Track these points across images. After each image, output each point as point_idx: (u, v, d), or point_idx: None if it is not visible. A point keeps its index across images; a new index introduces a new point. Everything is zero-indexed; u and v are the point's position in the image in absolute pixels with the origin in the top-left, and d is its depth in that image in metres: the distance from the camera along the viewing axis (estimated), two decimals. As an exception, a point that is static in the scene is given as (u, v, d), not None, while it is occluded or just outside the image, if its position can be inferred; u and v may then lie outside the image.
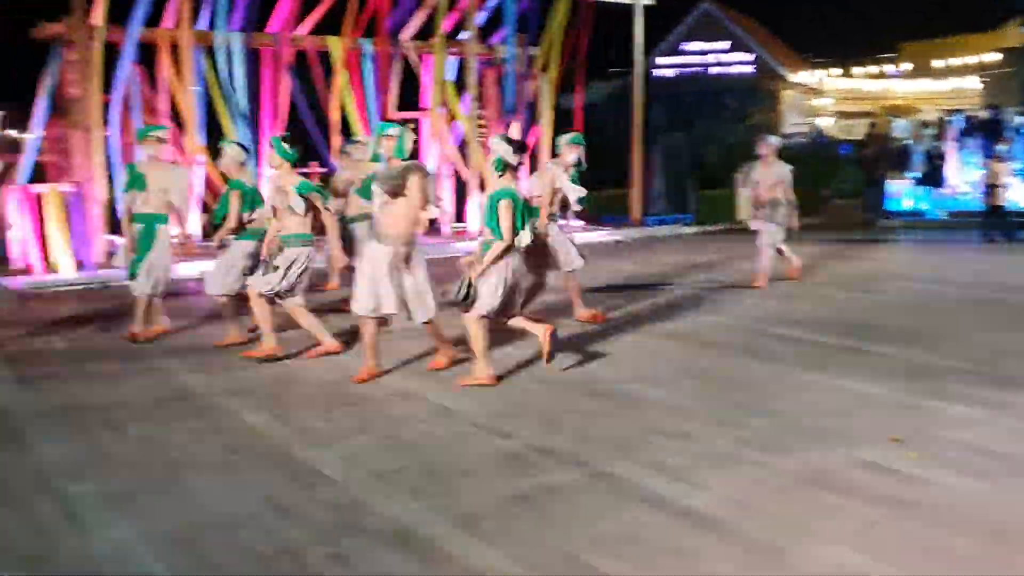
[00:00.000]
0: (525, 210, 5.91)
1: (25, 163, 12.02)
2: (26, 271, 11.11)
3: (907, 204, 17.30)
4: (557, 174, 7.65)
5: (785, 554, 3.49)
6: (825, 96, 33.21)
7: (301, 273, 6.68)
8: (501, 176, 5.87)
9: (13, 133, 26.68)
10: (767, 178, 9.87)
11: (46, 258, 11.20)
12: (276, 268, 6.59)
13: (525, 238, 5.80)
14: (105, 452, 4.79)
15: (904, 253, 13.00)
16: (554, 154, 8.38)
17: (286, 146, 6.65)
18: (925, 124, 19.40)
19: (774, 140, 10.30)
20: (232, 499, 4.11)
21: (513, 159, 5.84)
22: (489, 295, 5.80)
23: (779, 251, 10.03)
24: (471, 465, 4.49)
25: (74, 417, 5.42)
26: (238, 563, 3.47)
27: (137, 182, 7.23)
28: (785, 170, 9.88)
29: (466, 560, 3.47)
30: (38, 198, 11.34)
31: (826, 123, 31.70)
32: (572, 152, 7.73)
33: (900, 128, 19.40)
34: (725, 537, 3.63)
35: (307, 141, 13.78)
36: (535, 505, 3.98)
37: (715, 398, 5.61)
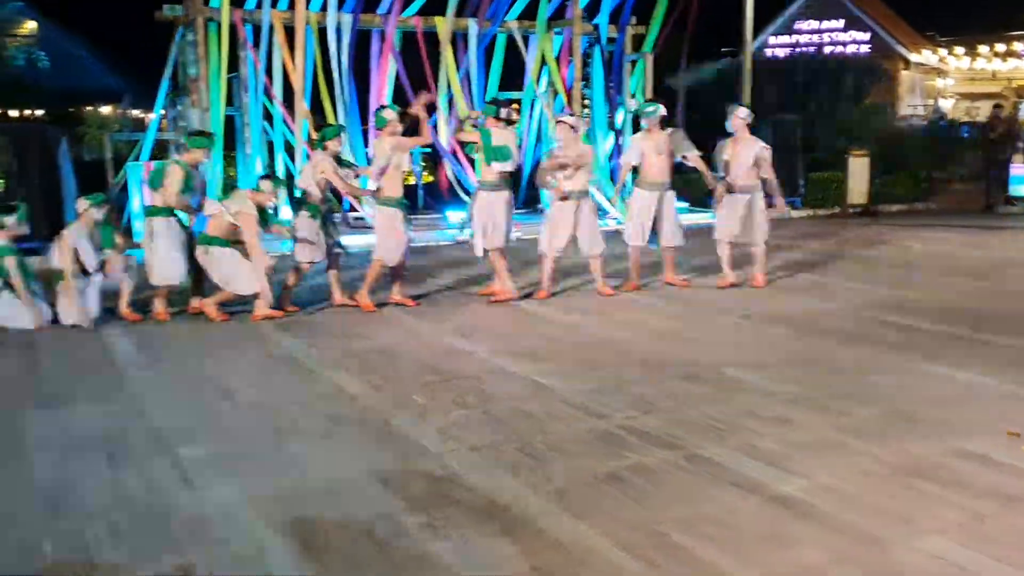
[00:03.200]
0: None
1: (146, 141, 12.56)
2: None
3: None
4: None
5: (885, 544, 3.41)
6: (947, 76, 31.85)
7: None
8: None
9: (137, 112, 27.91)
10: (742, 160, 8.41)
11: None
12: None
13: None
14: (216, 417, 5.02)
15: (1027, 241, 12.39)
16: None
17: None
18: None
19: (744, 112, 8.59)
20: (332, 466, 4.25)
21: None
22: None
23: (728, 248, 8.66)
24: (564, 443, 4.53)
25: (190, 383, 5.69)
26: (337, 526, 3.60)
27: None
28: (761, 147, 8.42)
29: (556, 535, 3.50)
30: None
31: (947, 105, 30.42)
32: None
33: (1028, 110, 18.46)
34: (822, 525, 3.57)
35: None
36: (627, 484, 3.99)
37: (818, 384, 5.49)
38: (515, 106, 15.00)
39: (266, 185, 7.48)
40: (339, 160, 7.81)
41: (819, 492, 3.87)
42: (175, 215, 7.54)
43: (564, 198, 7.94)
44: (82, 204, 7.38)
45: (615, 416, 4.92)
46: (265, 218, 7.42)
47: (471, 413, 5.02)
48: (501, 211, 7.90)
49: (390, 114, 7.71)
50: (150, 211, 7.60)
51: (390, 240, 7.65)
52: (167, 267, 7.42)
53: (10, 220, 7.21)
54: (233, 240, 7.30)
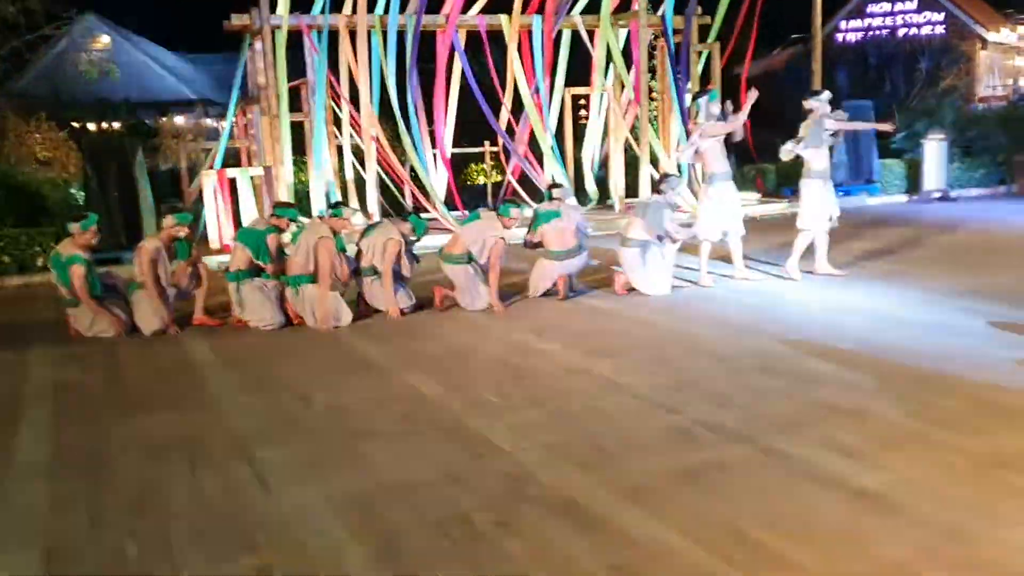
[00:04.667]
0: None
1: (219, 148, 12.86)
2: (223, 251, 11.87)
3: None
4: None
5: (971, 538, 3.30)
6: (1028, 54, 30.72)
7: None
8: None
9: (210, 121, 28.57)
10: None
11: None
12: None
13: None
14: (293, 420, 5.09)
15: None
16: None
17: None
18: None
19: (827, 95, 8.60)
20: (406, 466, 4.28)
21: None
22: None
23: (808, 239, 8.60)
24: (639, 439, 4.48)
25: (267, 387, 5.79)
26: (412, 526, 3.62)
27: None
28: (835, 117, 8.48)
29: (632, 533, 3.47)
30: (231, 181, 12.10)
31: (1029, 84, 29.36)
32: None
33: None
34: (905, 520, 3.46)
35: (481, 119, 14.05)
36: (704, 480, 3.93)
37: (896, 375, 5.34)
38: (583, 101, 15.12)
39: (347, 212, 7.69)
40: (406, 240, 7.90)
41: (901, 485, 3.76)
42: (251, 274, 7.62)
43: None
44: (169, 221, 7.55)
45: (690, 411, 4.86)
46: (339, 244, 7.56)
47: (544, 411, 5.01)
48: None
49: (517, 213, 7.96)
50: (239, 275, 7.57)
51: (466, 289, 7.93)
52: (262, 315, 7.54)
53: (75, 226, 7.40)
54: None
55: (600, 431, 4.63)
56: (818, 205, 8.43)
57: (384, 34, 13.04)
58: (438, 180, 13.94)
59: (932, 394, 4.95)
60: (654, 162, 14.42)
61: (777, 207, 14.58)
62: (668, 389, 5.29)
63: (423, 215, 12.56)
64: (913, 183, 16.11)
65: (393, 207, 13.99)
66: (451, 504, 3.81)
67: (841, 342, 6.19)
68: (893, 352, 5.86)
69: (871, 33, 29.43)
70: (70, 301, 7.42)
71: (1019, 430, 4.34)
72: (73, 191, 14.18)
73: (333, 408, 5.27)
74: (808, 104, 8.48)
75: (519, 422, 4.83)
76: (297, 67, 12.87)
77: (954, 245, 10.33)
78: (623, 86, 14.87)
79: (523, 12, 13.99)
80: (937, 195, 15.85)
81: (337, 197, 12.88)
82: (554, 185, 8.81)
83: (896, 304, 7.29)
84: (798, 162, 8.63)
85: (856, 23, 30.47)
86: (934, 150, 15.91)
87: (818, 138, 8.32)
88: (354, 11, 12.82)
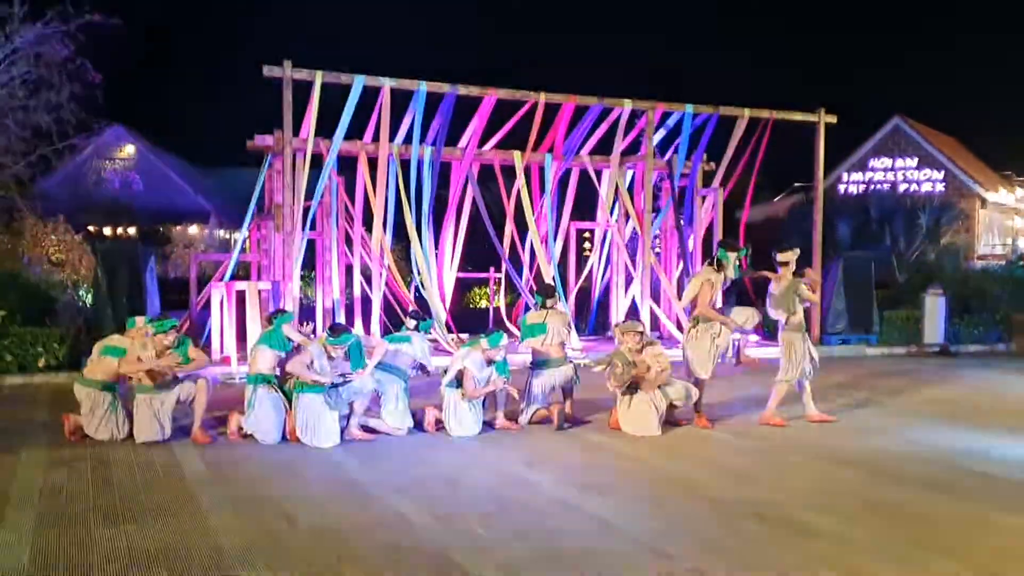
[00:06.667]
0: None
1: (231, 261, 13.06)
2: (223, 362, 11.90)
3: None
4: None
5: None
6: (1027, 216, 31.45)
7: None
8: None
9: (222, 233, 29.06)
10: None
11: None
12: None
13: None
14: (276, 539, 5.03)
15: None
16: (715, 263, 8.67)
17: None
18: None
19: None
20: (391, 597, 4.21)
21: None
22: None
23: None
24: (627, 583, 4.41)
25: (254, 503, 5.74)
26: (391, 661, 3.54)
27: None
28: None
29: None
30: (240, 294, 12.24)
31: (1029, 244, 29.96)
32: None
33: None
34: None
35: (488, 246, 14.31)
36: (691, 631, 3.86)
37: (892, 533, 5.28)
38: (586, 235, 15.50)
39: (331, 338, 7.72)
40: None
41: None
42: (271, 380, 7.73)
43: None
44: (139, 321, 7.78)
45: (683, 559, 4.78)
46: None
47: (533, 549, 4.93)
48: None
49: (504, 342, 8.11)
50: (257, 379, 7.68)
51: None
52: (267, 429, 7.59)
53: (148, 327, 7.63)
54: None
55: (591, 574, 4.56)
56: (799, 357, 8.61)
57: (403, 162, 13.44)
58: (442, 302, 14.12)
59: (927, 554, 4.87)
60: (655, 297, 14.63)
61: (774, 350, 14.63)
62: (660, 533, 5.22)
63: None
64: (912, 335, 16.22)
65: (394, 325, 14.11)
66: (433, 640, 3.74)
67: (837, 494, 6.14)
68: (888, 507, 5.81)
69: (873, 187, 30.20)
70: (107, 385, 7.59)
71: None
72: (81, 293, 14.35)
73: (318, 530, 5.21)
74: (783, 258, 8.66)
75: (506, 559, 4.76)
76: (312, 185, 13.20)
77: (951, 400, 10.33)
78: (628, 221, 15.24)
79: (535, 150, 14.44)
80: (936, 349, 15.93)
81: (340, 317, 13.00)
82: (546, 292, 8.88)
83: (892, 457, 7.25)
84: None
85: (858, 176, 31.31)
86: (933, 304, 16.08)
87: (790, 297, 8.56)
88: (375, 139, 13.25)
